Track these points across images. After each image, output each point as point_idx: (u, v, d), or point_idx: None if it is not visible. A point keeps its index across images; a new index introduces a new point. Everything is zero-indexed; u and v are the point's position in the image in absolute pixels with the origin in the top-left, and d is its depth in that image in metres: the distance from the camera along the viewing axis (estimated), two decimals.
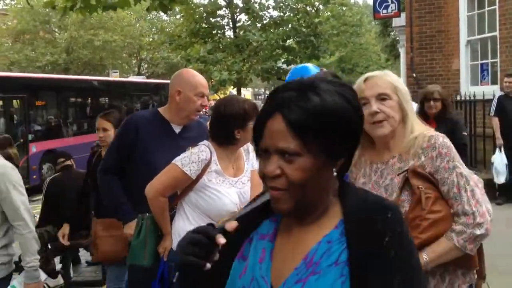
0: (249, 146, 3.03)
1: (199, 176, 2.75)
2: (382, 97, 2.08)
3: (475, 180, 2.15)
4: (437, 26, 11.19)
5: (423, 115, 5.10)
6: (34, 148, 13.26)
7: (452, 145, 2.13)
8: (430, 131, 2.17)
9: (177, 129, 3.20)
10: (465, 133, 5.26)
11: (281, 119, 1.21)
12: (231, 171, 2.86)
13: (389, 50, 31.17)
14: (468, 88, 10.41)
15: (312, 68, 4.03)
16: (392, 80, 2.13)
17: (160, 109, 3.27)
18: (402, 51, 16.20)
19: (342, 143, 1.25)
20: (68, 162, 6.14)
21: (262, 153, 1.26)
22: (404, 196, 2.06)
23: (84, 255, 6.58)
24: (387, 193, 2.09)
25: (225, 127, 2.78)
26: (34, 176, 12.93)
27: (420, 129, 2.16)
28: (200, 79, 3.19)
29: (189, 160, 2.74)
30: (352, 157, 1.33)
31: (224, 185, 2.80)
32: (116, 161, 3.18)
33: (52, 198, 5.70)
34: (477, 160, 9.32)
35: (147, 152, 3.07)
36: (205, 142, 2.83)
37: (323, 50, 18.38)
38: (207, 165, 2.76)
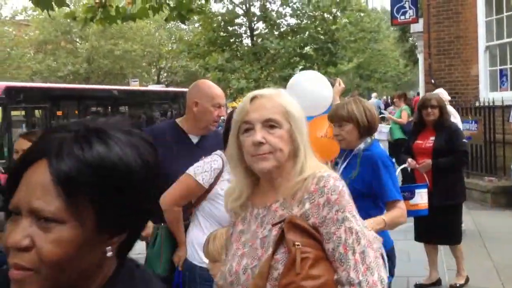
0: None
1: (212, 185, 2.80)
2: (270, 124, 1.68)
3: (370, 238, 1.71)
4: (455, 31, 11.12)
5: (421, 123, 5.16)
6: None
7: (346, 190, 1.71)
8: (322, 169, 1.72)
9: (194, 139, 3.25)
10: (465, 140, 5.24)
11: (46, 167, 0.88)
12: None
13: (407, 55, 30.98)
14: (487, 94, 10.32)
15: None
16: (284, 102, 1.72)
17: (178, 120, 3.34)
18: (420, 57, 16.09)
19: (126, 212, 0.93)
20: None
21: (12, 214, 0.90)
22: (280, 255, 1.61)
23: None
24: (263, 248, 1.67)
25: None
26: None
27: (313, 167, 1.72)
28: (217, 89, 3.25)
29: (202, 169, 2.80)
30: (138, 232, 1.01)
31: None
32: None
33: None
34: (496, 167, 9.23)
35: (164, 163, 3.12)
36: (218, 152, 2.89)
37: (340, 57, 18.35)
38: (220, 174, 2.80)
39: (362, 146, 3.05)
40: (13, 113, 12.44)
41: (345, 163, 3.11)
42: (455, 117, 7.16)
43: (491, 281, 5.19)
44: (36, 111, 13.44)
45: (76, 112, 15.31)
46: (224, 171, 2.82)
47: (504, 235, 6.83)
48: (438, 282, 5.08)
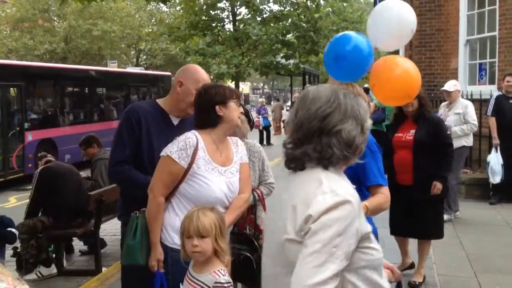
0: (238, 140, 3.05)
1: (190, 164, 2.73)
2: None
3: None
4: (436, 24, 11.19)
5: (401, 115, 5.00)
6: (30, 137, 13.22)
7: None
8: None
9: (175, 121, 3.20)
10: (449, 132, 5.12)
11: None
12: (219, 159, 2.84)
13: None
14: (465, 87, 10.41)
15: (355, 36, 3.65)
16: None
17: (159, 100, 3.28)
18: (401, 49, 16.18)
19: None
20: (52, 158, 6.22)
21: None
22: None
23: (77, 244, 6.59)
24: None
25: (206, 105, 2.83)
26: (30, 165, 12.89)
27: None
28: (204, 75, 3.23)
29: (176, 147, 2.74)
30: None
31: (213, 173, 2.78)
32: (127, 151, 3.07)
33: (44, 188, 5.69)
34: (472, 160, 9.34)
35: (151, 143, 3.06)
36: (192, 130, 2.85)
37: (322, 46, 18.33)
38: (195, 151, 2.74)
39: None
40: None
41: None
42: (465, 108, 7.14)
43: (464, 271, 5.25)
44: (11, 89, 13.13)
45: (52, 92, 15.02)
46: (199, 148, 2.76)
47: (477, 226, 6.93)
48: (412, 265, 5.07)
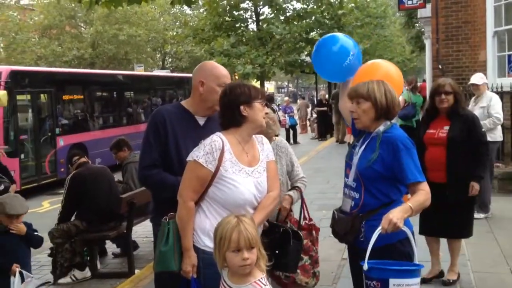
0: (263, 138, 3.03)
1: (217, 168, 2.74)
2: None
3: None
4: (463, 16, 10.99)
5: (434, 111, 4.81)
6: (61, 142, 13.48)
7: None
8: None
9: (201, 121, 3.22)
10: (484, 129, 4.91)
11: None
12: (245, 159, 2.83)
13: (414, 41, 30.73)
14: (495, 80, 10.21)
15: (342, 37, 3.67)
16: None
17: (183, 102, 3.30)
18: (427, 43, 15.97)
19: None
20: (83, 159, 6.27)
21: None
22: None
23: (110, 247, 6.70)
24: None
25: (231, 105, 2.82)
26: (62, 169, 13.14)
27: None
28: (222, 70, 3.24)
29: (203, 152, 2.75)
30: None
31: (241, 175, 2.78)
32: (155, 154, 3.09)
33: (76, 194, 5.79)
34: (504, 153, 9.17)
35: (178, 144, 3.09)
36: (217, 133, 2.85)
37: None
38: (222, 155, 2.74)
39: (381, 128, 2.95)
40: (19, 97, 12.41)
41: (364, 145, 3.00)
42: (489, 101, 6.95)
43: (499, 268, 5.15)
44: (42, 95, 13.40)
45: (81, 97, 15.29)
46: (225, 151, 2.76)
47: (511, 221, 6.80)
48: (441, 274, 4.85)
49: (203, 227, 2.79)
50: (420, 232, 4.75)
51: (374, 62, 3.94)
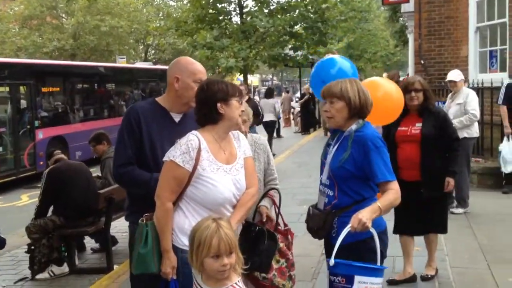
0: (239, 134, 3.00)
1: (195, 167, 2.69)
2: None
3: None
4: (446, 12, 11.04)
5: (404, 108, 4.55)
6: (41, 135, 13.29)
7: None
8: None
9: (176, 118, 3.16)
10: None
11: None
12: (223, 157, 2.80)
13: (398, 36, 30.89)
14: (476, 76, 10.30)
15: (339, 60, 3.88)
16: None
17: (158, 99, 3.23)
18: (410, 38, 16.04)
19: None
20: (61, 155, 6.20)
21: None
22: None
23: (89, 242, 6.62)
24: None
25: (208, 102, 2.77)
26: (41, 162, 12.97)
27: None
28: (198, 66, 3.17)
29: (179, 151, 2.70)
30: None
31: (219, 173, 2.74)
32: (129, 152, 3.03)
33: (53, 189, 5.70)
34: (484, 148, 9.25)
35: (153, 141, 3.03)
36: (193, 131, 2.80)
37: (330, 37, 18.19)
38: (199, 153, 2.70)
39: (354, 127, 2.98)
40: None
41: (337, 144, 3.04)
42: (466, 98, 6.94)
43: (477, 262, 5.20)
44: (21, 87, 13.18)
45: (61, 89, 15.07)
46: (202, 149, 2.72)
47: (490, 216, 6.87)
48: (413, 278, 4.75)
49: (181, 226, 2.75)
50: (394, 232, 4.71)
51: (373, 81, 4.17)
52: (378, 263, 2.78)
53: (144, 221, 2.81)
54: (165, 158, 2.75)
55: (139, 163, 3.04)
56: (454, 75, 7.07)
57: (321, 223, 2.91)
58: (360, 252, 2.82)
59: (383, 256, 2.95)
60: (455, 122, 6.67)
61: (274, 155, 10.71)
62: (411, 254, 4.82)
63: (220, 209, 2.75)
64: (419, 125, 4.63)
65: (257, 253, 3.18)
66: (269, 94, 16.47)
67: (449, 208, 5.85)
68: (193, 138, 2.73)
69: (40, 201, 5.77)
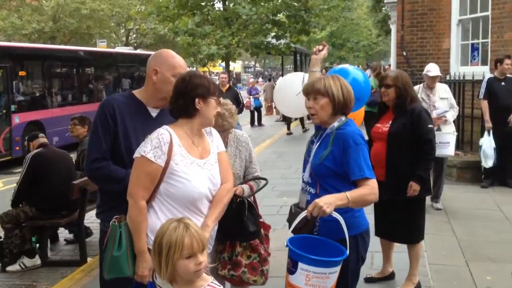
0: (211, 129, 2.89)
1: (167, 162, 2.58)
2: None
3: None
4: (429, 4, 11.02)
5: (385, 104, 4.49)
6: (17, 119, 13.01)
7: None
8: None
9: (153, 113, 3.02)
10: (431, 125, 4.42)
11: None
12: (196, 152, 2.70)
13: (380, 25, 30.91)
14: (458, 68, 10.31)
15: (352, 70, 3.84)
16: None
17: (135, 92, 3.09)
18: (393, 28, 16.00)
19: None
20: (44, 139, 5.99)
21: None
22: None
23: (62, 232, 6.48)
24: None
25: (187, 94, 2.66)
26: (17, 148, 12.73)
27: None
28: (179, 60, 3.03)
29: (150, 146, 2.58)
30: None
31: (193, 168, 2.63)
32: (104, 146, 2.88)
33: (34, 175, 5.52)
34: (464, 142, 9.27)
35: (128, 136, 2.89)
36: (163, 126, 2.69)
37: (313, 25, 18.09)
38: (170, 147, 2.59)
39: (336, 124, 2.93)
40: None
41: (319, 142, 2.99)
42: (450, 95, 6.87)
43: (455, 259, 5.18)
44: None
45: (39, 73, 14.75)
46: (174, 144, 2.60)
47: (469, 211, 6.87)
48: (391, 275, 4.68)
49: (154, 228, 2.60)
50: (375, 233, 4.54)
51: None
52: (346, 254, 2.63)
53: (116, 222, 2.67)
54: (135, 154, 2.62)
55: (113, 159, 2.90)
56: (435, 69, 6.80)
57: (303, 222, 2.81)
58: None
59: (361, 258, 2.91)
60: (449, 116, 6.61)
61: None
62: (390, 255, 4.71)
63: (197, 205, 2.65)
64: (391, 123, 4.37)
65: (241, 225, 3.14)
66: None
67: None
68: (164, 132, 2.62)
69: (20, 184, 5.55)
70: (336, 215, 2.65)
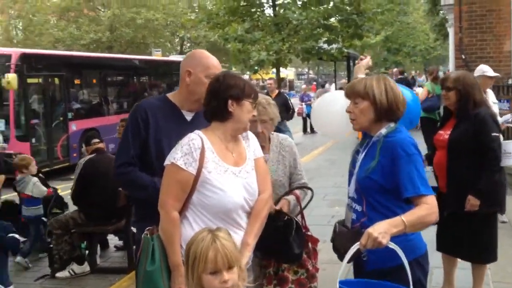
0: (249, 133, 2.71)
1: (199, 169, 2.43)
2: None
3: None
4: (487, 4, 10.57)
5: (449, 109, 4.17)
6: (74, 127, 13.37)
7: None
8: None
9: (188, 116, 2.91)
10: (495, 133, 3.97)
11: None
12: (231, 158, 2.53)
13: (438, 29, 30.02)
14: None
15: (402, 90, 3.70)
16: None
17: (169, 95, 2.99)
18: (450, 31, 15.48)
19: None
20: (101, 145, 6.03)
21: None
22: None
23: (112, 239, 6.51)
24: None
25: (219, 96, 2.51)
26: (74, 154, 13.06)
27: None
28: (213, 60, 2.90)
29: (180, 153, 2.44)
30: None
31: (227, 176, 2.47)
32: (132, 152, 2.81)
33: (84, 182, 5.57)
34: None
35: (160, 144, 2.80)
36: (196, 131, 2.54)
37: (366, 30, 17.68)
38: (202, 153, 2.44)
39: (383, 131, 2.56)
40: (30, 81, 12.29)
41: (365, 152, 2.64)
42: (494, 98, 6.38)
43: None
44: (55, 79, 13.26)
45: (95, 81, 15.15)
46: (206, 150, 2.45)
47: None
48: None
49: (188, 240, 2.51)
50: (437, 248, 4.22)
51: None
52: None
53: (149, 234, 2.55)
54: (166, 162, 2.50)
55: (143, 165, 2.81)
56: (490, 70, 6.29)
57: (348, 245, 2.37)
58: (393, 281, 2.32)
59: (422, 285, 2.55)
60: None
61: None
62: (452, 273, 4.34)
63: (233, 216, 2.49)
64: (453, 129, 4.08)
65: (287, 245, 2.94)
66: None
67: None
68: (195, 137, 2.48)
69: (72, 191, 5.64)
70: (393, 246, 2.25)
